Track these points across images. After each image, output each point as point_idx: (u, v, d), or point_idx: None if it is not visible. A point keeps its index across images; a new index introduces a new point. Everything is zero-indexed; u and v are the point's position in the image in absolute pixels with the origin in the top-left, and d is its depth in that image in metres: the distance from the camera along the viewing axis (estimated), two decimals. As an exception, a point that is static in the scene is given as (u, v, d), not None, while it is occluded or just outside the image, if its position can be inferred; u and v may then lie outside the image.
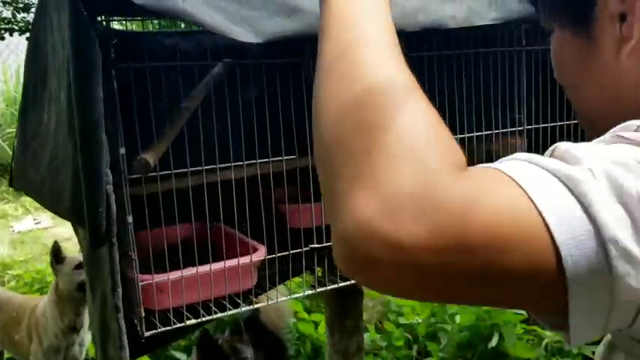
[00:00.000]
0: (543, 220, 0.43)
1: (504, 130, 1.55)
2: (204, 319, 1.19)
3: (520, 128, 1.58)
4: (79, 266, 2.34)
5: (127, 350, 1.03)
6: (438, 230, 0.43)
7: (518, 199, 0.44)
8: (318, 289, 1.39)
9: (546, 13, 0.70)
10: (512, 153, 1.70)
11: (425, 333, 3.09)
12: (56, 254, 2.44)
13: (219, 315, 1.22)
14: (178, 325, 1.18)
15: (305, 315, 3.11)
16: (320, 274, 1.45)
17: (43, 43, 1.26)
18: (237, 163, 1.19)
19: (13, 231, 5.83)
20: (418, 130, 0.47)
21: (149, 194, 1.18)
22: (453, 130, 1.50)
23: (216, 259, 1.23)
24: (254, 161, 1.21)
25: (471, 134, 1.51)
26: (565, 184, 0.44)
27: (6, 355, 2.80)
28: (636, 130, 0.49)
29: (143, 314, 1.14)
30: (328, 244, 1.32)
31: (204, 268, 1.19)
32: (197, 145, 1.18)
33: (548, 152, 0.50)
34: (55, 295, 2.47)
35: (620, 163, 0.45)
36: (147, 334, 1.15)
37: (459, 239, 0.43)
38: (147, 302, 1.19)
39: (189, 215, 1.22)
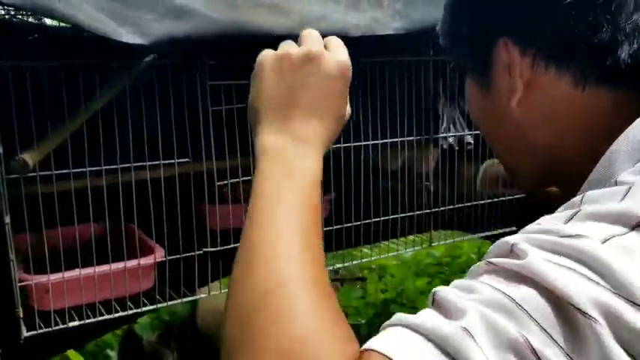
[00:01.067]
0: None
1: (418, 138, 1.56)
2: (87, 320, 1.18)
3: (435, 136, 1.59)
4: None
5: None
6: None
7: None
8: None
9: (454, 60, 0.72)
10: (425, 162, 1.68)
11: (368, 334, 3.09)
12: None
13: (105, 317, 1.20)
14: (61, 326, 1.17)
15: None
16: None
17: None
18: (123, 165, 1.18)
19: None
20: (298, 331, 0.46)
21: (47, 194, 1.17)
22: (366, 138, 1.53)
23: (116, 260, 1.22)
24: (143, 163, 1.20)
25: (385, 140, 1.52)
26: (447, 353, 0.40)
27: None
28: (511, 250, 0.45)
29: (22, 315, 1.13)
30: (223, 247, 1.32)
31: (87, 271, 1.18)
32: (90, 146, 1.17)
33: (430, 297, 0.46)
34: None
35: (496, 307, 0.41)
36: (27, 334, 1.14)
37: None
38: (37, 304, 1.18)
39: (99, 215, 1.23)
